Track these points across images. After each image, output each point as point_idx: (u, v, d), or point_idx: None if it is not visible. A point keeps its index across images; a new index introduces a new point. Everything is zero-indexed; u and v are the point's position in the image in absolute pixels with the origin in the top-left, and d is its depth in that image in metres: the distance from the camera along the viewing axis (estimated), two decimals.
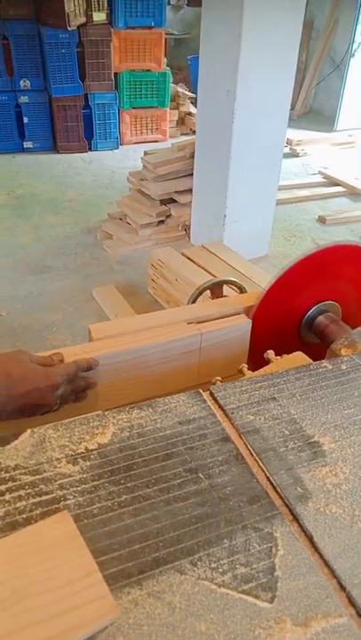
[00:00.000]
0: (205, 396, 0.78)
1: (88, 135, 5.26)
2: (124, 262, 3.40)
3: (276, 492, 0.63)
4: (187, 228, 3.62)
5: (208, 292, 1.41)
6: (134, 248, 3.51)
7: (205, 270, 2.75)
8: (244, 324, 1.02)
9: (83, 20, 4.67)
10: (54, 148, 5.25)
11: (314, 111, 7.13)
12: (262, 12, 2.62)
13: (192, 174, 3.39)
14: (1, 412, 0.73)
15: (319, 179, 4.80)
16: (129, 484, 0.62)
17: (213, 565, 0.54)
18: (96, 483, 0.62)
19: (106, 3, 4.72)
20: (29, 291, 3.03)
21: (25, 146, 5.18)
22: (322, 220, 4.03)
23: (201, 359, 1.00)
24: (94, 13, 4.69)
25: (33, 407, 0.76)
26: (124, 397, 0.93)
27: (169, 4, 6.61)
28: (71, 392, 0.84)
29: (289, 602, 0.51)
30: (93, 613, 0.48)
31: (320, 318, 1.08)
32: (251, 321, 1.02)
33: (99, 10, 4.69)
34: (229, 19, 2.67)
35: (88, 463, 0.65)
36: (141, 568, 0.53)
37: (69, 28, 4.54)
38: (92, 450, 0.67)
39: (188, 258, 2.89)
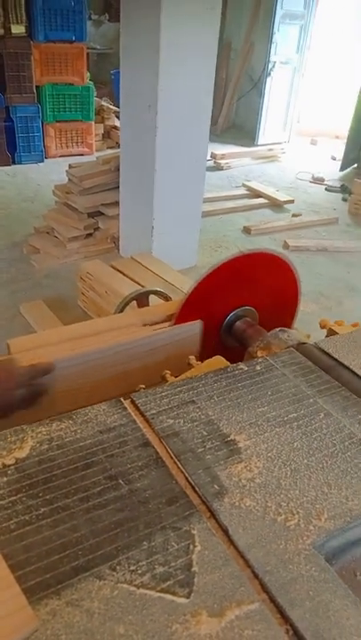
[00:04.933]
0: (127, 403, 0.79)
1: (11, 148, 5.14)
2: (53, 276, 3.33)
3: (195, 491, 0.66)
4: (115, 241, 3.63)
5: (135, 302, 1.42)
6: (63, 262, 3.46)
7: (135, 282, 2.77)
8: (195, 326, 1.06)
9: (1, 32, 4.58)
10: None
11: (236, 126, 7.41)
12: (179, 29, 2.71)
13: (119, 187, 3.41)
14: None
15: (243, 191, 4.98)
16: (48, 497, 0.62)
17: (132, 568, 0.55)
18: (13, 498, 0.61)
19: (24, 15, 4.66)
20: None
21: None
22: (247, 230, 4.18)
23: (156, 359, 1.03)
24: (12, 25, 4.61)
25: None
26: (81, 400, 0.94)
27: (90, 18, 6.65)
28: (25, 398, 0.84)
29: (205, 595, 0.53)
30: (12, 626, 0.47)
31: (238, 323, 1.12)
32: (201, 322, 1.06)
33: (17, 22, 4.63)
34: (147, 34, 2.73)
35: (5, 479, 0.64)
36: (60, 578, 0.53)
37: None
38: (10, 465, 0.66)
39: (118, 270, 2.89)
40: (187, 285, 2.72)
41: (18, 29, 4.64)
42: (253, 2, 6.44)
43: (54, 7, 4.71)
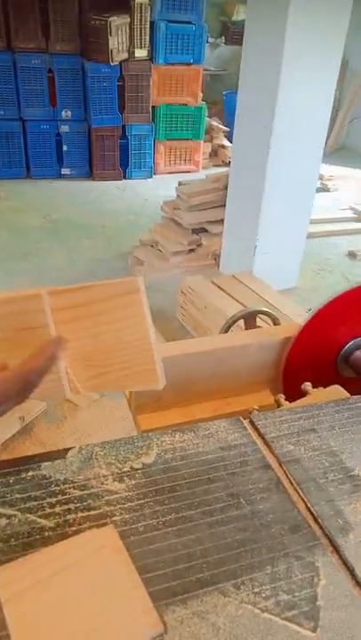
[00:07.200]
0: (246, 423, 0.80)
1: (123, 164, 5.44)
2: (154, 288, 3.45)
3: (317, 522, 0.64)
4: (216, 258, 3.68)
5: (240, 321, 1.43)
6: (164, 275, 3.57)
7: (235, 300, 2.78)
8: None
9: (125, 55, 4.89)
10: (90, 176, 5.43)
11: (346, 148, 7.22)
12: (301, 52, 2.71)
13: (224, 205, 3.47)
14: None
15: (349, 214, 4.83)
16: (173, 505, 0.64)
17: (256, 590, 0.55)
18: (141, 501, 0.64)
19: (148, 40, 4.94)
20: None
21: (62, 172, 5.37)
22: (352, 254, 4.04)
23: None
24: (136, 50, 4.91)
25: None
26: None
27: (207, 42, 6.86)
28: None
29: (332, 632, 0.52)
30: (137, 627, 0.49)
31: (357, 353, 1.09)
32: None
33: (141, 47, 4.91)
34: (269, 57, 2.77)
35: (133, 482, 0.67)
36: (186, 587, 0.55)
37: (112, 63, 4.76)
38: (138, 469, 0.69)
39: (219, 287, 2.93)
40: (287, 307, 2.70)
41: (140, 53, 4.92)
42: None
43: (177, 32, 4.94)
